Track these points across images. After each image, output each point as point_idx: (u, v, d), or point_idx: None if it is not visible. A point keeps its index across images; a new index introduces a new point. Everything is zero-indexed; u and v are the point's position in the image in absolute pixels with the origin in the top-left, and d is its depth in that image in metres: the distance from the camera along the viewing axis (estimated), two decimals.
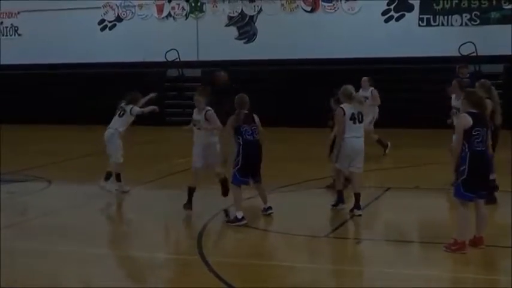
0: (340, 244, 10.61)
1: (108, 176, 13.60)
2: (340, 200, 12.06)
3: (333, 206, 12.06)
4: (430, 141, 18.57)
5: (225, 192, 12.38)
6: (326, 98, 13.46)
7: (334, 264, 9.65)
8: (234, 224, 11.18)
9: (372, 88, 17.72)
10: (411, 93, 23.39)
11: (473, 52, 23.00)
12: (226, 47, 25.87)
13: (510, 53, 22.63)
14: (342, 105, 11.70)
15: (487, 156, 9.46)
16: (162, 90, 26.37)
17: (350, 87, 11.81)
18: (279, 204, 11.92)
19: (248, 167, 11.39)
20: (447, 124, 13.52)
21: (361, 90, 16.77)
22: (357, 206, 11.65)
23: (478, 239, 9.54)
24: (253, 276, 8.82)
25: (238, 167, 11.32)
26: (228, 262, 9.48)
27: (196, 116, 11.96)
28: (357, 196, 11.69)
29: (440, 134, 14.50)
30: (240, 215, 11.18)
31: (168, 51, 26.29)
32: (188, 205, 12.06)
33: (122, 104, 13.72)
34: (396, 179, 14.66)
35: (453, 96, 13.29)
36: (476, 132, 9.22)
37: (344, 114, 11.54)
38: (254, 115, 11.47)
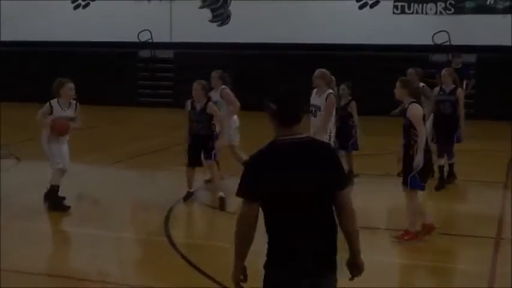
0: None
1: None
2: None
3: None
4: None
5: None
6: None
7: None
8: None
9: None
10: (386, 82, 23.07)
11: (447, 41, 23.00)
12: (199, 29, 25.69)
13: (483, 43, 22.70)
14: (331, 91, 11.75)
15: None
16: (134, 71, 26.34)
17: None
18: None
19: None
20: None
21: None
22: None
23: (430, 225, 9.50)
24: (221, 259, 8.75)
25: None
26: (195, 244, 9.40)
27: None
28: None
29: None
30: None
31: (140, 32, 26.02)
32: None
33: None
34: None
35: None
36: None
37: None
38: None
